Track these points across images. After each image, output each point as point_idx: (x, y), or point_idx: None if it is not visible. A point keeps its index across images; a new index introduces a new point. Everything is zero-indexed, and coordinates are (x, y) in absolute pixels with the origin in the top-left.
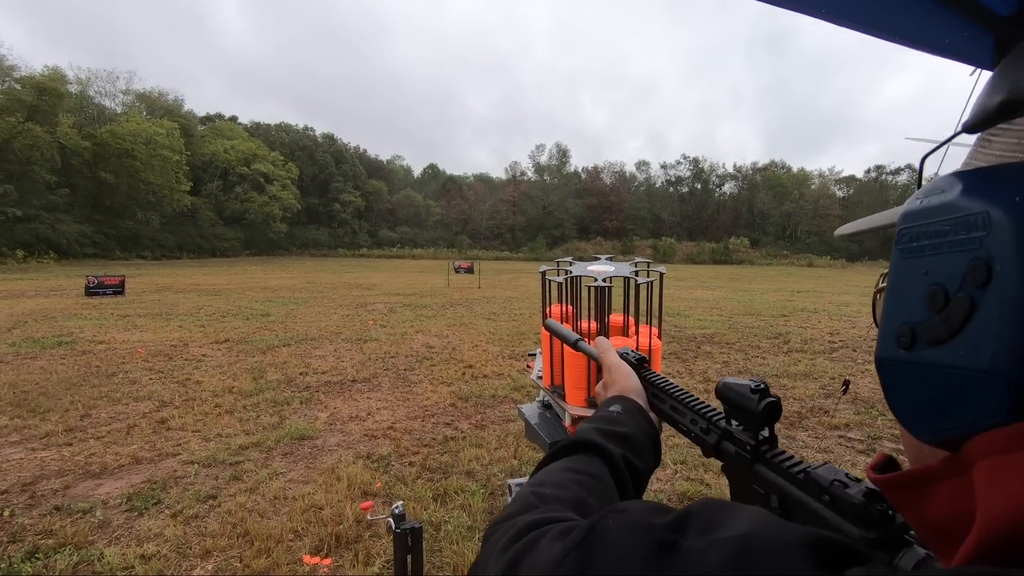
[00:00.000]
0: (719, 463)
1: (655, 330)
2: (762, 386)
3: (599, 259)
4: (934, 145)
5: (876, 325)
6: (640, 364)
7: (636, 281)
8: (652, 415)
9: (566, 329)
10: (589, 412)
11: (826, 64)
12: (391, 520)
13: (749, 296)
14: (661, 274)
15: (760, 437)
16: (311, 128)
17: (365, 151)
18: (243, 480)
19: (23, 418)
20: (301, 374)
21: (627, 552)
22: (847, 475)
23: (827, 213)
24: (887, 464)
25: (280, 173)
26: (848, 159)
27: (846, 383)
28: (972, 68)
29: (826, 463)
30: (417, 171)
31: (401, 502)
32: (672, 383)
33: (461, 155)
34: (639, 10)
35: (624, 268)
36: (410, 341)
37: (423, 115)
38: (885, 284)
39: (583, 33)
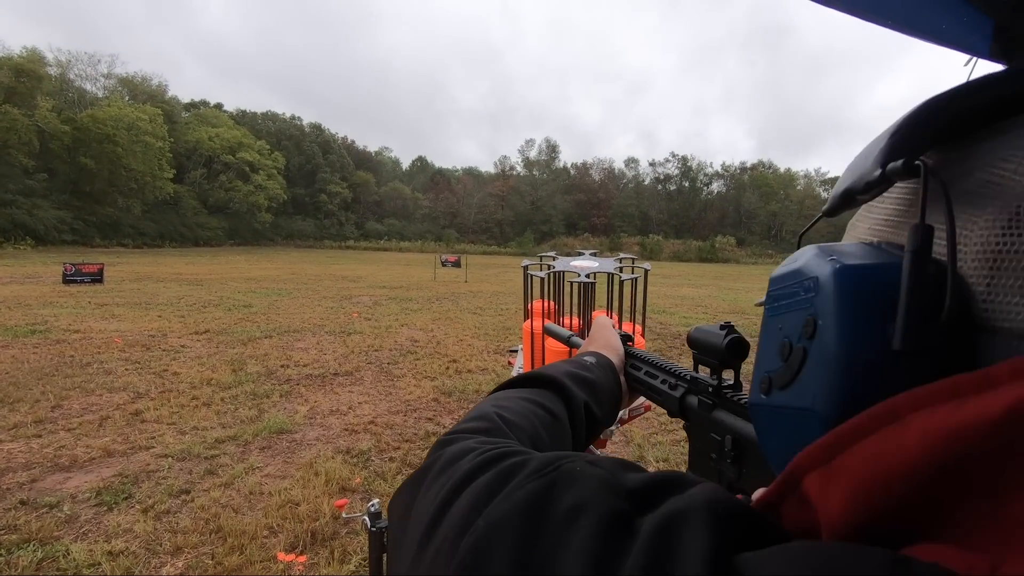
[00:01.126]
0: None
1: (639, 328)
2: (730, 324)
3: (583, 254)
4: None
5: None
6: (624, 338)
7: (620, 277)
8: (623, 380)
9: (561, 328)
10: None
11: (821, 62)
12: (366, 518)
13: (734, 295)
14: (646, 271)
15: (723, 382)
16: (298, 117)
17: (353, 142)
18: (218, 474)
19: None
20: (282, 366)
21: (585, 512)
22: None
23: (812, 214)
24: None
25: (266, 162)
26: (842, 160)
27: None
28: (968, 57)
29: None
30: (406, 163)
31: (377, 500)
32: (653, 355)
33: (450, 148)
34: (633, 3)
35: (608, 264)
36: (395, 334)
37: (411, 106)
38: None
39: (575, 25)
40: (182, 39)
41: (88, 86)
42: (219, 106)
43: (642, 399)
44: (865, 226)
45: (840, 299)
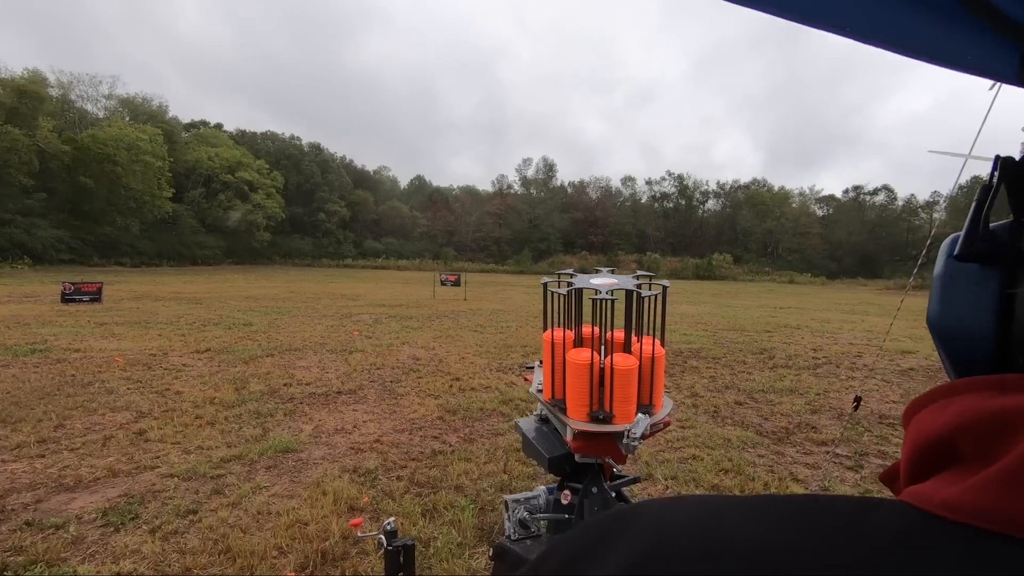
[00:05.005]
0: (707, 480)
1: (657, 340)
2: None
3: (601, 271)
4: (957, 157)
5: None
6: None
7: (640, 294)
8: None
9: None
10: (591, 427)
11: (830, 75)
12: (383, 537)
13: (733, 312)
14: (665, 287)
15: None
16: (297, 137)
17: (351, 161)
18: (225, 494)
19: None
20: (285, 385)
21: None
22: None
23: (807, 231)
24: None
25: (265, 181)
26: (847, 175)
27: (857, 399)
28: (992, 82)
29: None
30: (403, 182)
31: (393, 518)
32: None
33: (447, 166)
34: (634, 16)
35: (627, 281)
36: (396, 352)
37: (407, 121)
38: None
39: (574, 31)
40: (163, 51)
41: (89, 107)
42: (219, 126)
43: (663, 414)
44: None
45: None
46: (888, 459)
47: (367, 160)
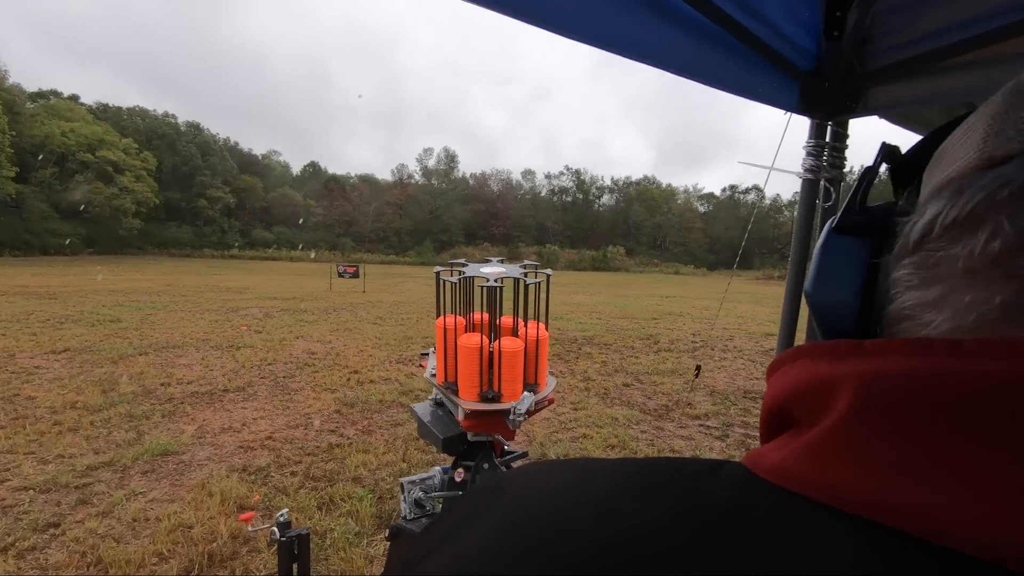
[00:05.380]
0: (596, 456)
1: (542, 324)
2: None
3: (491, 261)
4: (763, 168)
5: None
6: None
7: (525, 282)
8: None
9: None
10: (482, 406)
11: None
12: (275, 529)
13: (625, 301)
14: (548, 275)
15: None
16: (172, 115)
17: (236, 144)
18: (93, 504)
19: None
20: (162, 385)
21: None
22: None
23: (691, 226)
24: None
25: (133, 163)
26: (724, 175)
27: (697, 368)
28: (783, 111)
29: None
30: (296, 168)
31: (286, 510)
32: None
33: (344, 153)
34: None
35: (514, 270)
36: (289, 347)
37: (298, 103)
38: None
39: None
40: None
41: None
42: (75, 98)
43: (547, 392)
44: None
45: None
46: (750, 428)
47: (255, 143)
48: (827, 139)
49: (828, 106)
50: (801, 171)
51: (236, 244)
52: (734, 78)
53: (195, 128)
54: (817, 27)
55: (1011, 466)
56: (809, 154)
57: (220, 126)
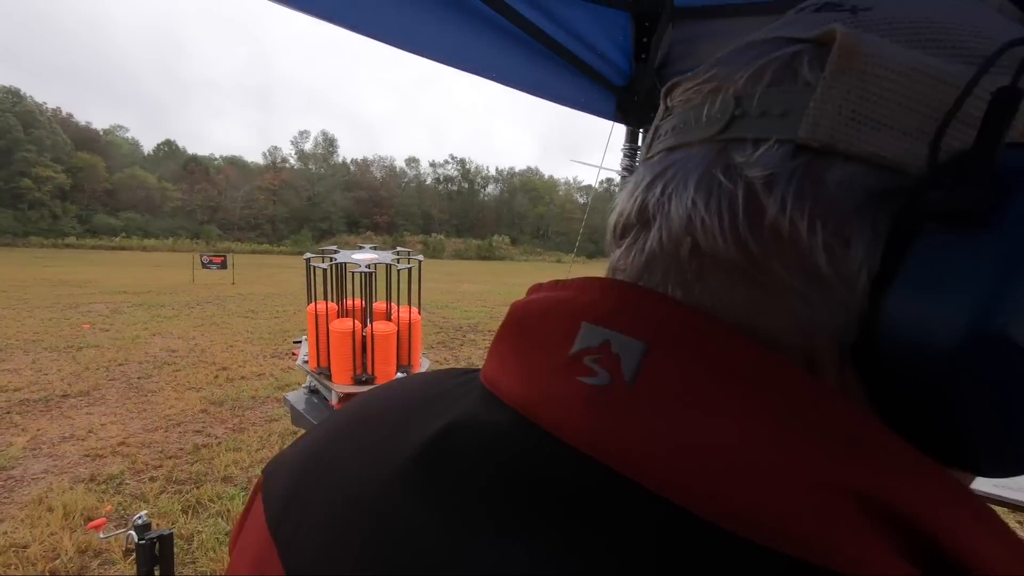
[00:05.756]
0: None
1: (415, 309)
2: None
3: (364, 248)
4: (592, 167)
5: None
6: None
7: (397, 267)
8: None
9: None
10: (356, 389)
11: None
12: (132, 532)
13: (509, 289)
14: (420, 261)
15: None
16: None
17: (70, 116)
18: None
19: None
20: None
21: None
22: None
23: (571, 216)
24: None
25: None
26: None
27: None
28: (604, 120)
29: None
30: (148, 147)
31: (145, 512)
32: None
33: (207, 132)
34: None
35: (387, 256)
36: (144, 345)
37: (151, 77)
38: None
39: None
40: None
41: None
42: None
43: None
44: None
45: None
46: None
47: (94, 117)
48: (639, 143)
49: (639, 116)
50: (620, 170)
51: (74, 232)
52: (561, 91)
53: (13, 95)
54: (629, 50)
55: (511, 351)
56: (625, 155)
57: (47, 94)
